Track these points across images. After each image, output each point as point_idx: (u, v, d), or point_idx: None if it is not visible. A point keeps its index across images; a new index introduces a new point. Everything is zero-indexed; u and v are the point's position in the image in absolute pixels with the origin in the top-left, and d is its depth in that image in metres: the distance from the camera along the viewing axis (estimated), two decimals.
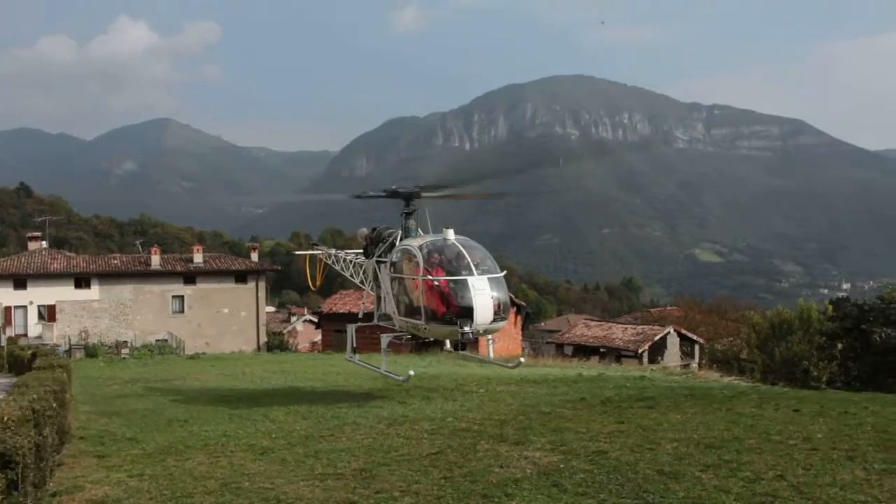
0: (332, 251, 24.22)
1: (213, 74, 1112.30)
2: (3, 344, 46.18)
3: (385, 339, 18.48)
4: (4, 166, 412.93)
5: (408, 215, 18.48)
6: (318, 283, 25.51)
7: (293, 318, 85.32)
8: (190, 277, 56.91)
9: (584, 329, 60.61)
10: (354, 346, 20.36)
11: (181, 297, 56.30)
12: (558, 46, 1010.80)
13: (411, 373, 17.53)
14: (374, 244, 19.35)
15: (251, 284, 57.96)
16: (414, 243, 17.04)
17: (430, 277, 15.81)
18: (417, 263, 16.32)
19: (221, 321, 56.26)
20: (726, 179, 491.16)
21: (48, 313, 53.43)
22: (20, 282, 53.32)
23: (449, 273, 15.79)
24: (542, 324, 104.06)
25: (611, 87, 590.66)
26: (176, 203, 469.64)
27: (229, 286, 57.63)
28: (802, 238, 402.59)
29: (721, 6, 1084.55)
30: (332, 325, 51.95)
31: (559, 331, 72.22)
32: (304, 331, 78.06)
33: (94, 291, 54.61)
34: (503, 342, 48.00)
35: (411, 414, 15.93)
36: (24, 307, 53.16)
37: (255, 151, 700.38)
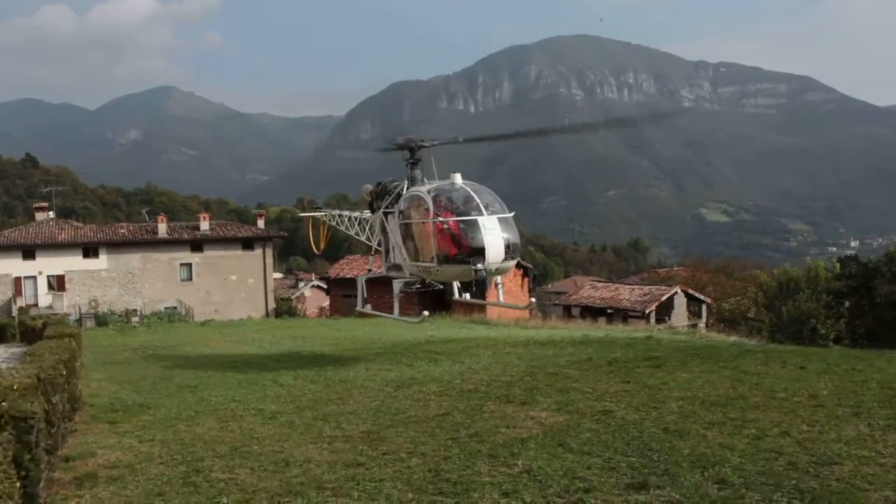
0: (336, 212, 24.37)
1: (214, 41, 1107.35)
2: (14, 314, 46.55)
3: (397, 284, 18.66)
4: (9, 137, 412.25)
5: (413, 165, 18.50)
6: (322, 246, 25.67)
7: (301, 284, 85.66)
8: (197, 245, 57.05)
9: (592, 291, 60.70)
10: (365, 296, 20.67)
11: (189, 265, 56.50)
12: (562, 6, 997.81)
13: (426, 313, 17.96)
14: (380, 197, 19.45)
15: (258, 251, 58.12)
16: (422, 189, 17.13)
17: (440, 220, 15.93)
18: (427, 208, 16.45)
19: (229, 288, 56.51)
20: (733, 138, 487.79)
21: (58, 283, 53.69)
22: (29, 252, 53.53)
23: (459, 215, 15.90)
24: (550, 286, 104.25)
25: (616, 46, 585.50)
26: (181, 171, 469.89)
27: (236, 253, 57.80)
28: (810, 196, 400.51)
29: None
30: (339, 290, 52.16)
31: (566, 293, 72.39)
32: (312, 296, 78.42)
33: (102, 261, 54.81)
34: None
35: (419, 376, 16.06)
36: (34, 277, 53.43)
37: (258, 118, 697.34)
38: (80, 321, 47.09)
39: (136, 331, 36.50)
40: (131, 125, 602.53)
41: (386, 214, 18.96)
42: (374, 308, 20.73)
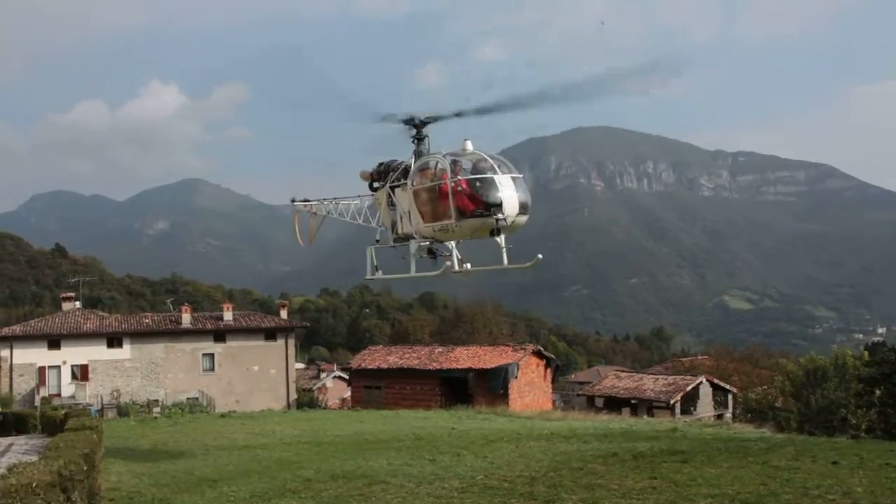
0: (325, 201, 23.80)
1: (241, 135, 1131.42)
2: (37, 404, 46.46)
3: (413, 244, 18.67)
4: (41, 229, 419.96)
5: (419, 141, 18.71)
6: (310, 239, 25.13)
7: (323, 375, 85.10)
8: (220, 335, 57.08)
9: (615, 380, 59.88)
10: (375, 264, 20.61)
11: (211, 355, 56.42)
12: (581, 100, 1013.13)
13: (448, 263, 17.87)
14: (383, 176, 19.64)
15: (280, 342, 58.02)
16: (436, 154, 17.63)
17: (459, 178, 16.44)
18: (444, 169, 16.86)
19: (251, 378, 56.25)
20: (753, 225, 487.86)
21: (81, 373, 53.71)
22: (54, 342, 53.77)
23: (476, 173, 16.39)
24: (573, 376, 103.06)
25: (634, 137, 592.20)
26: (207, 261, 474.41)
27: (259, 343, 57.73)
28: (834, 283, 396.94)
29: (741, 57, 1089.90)
30: (361, 381, 51.81)
31: (590, 383, 71.44)
32: (333, 387, 77.78)
33: (126, 350, 54.91)
34: (533, 395, 47.56)
35: (441, 472, 15.74)
36: (58, 367, 53.50)
37: (283, 209, 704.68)
38: (101, 412, 46.87)
39: (156, 422, 36.25)
40: (159, 216, 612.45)
41: (393, 188, 19.10)
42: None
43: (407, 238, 18.81)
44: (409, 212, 18.26)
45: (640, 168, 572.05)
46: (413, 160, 18.53)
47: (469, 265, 18.30)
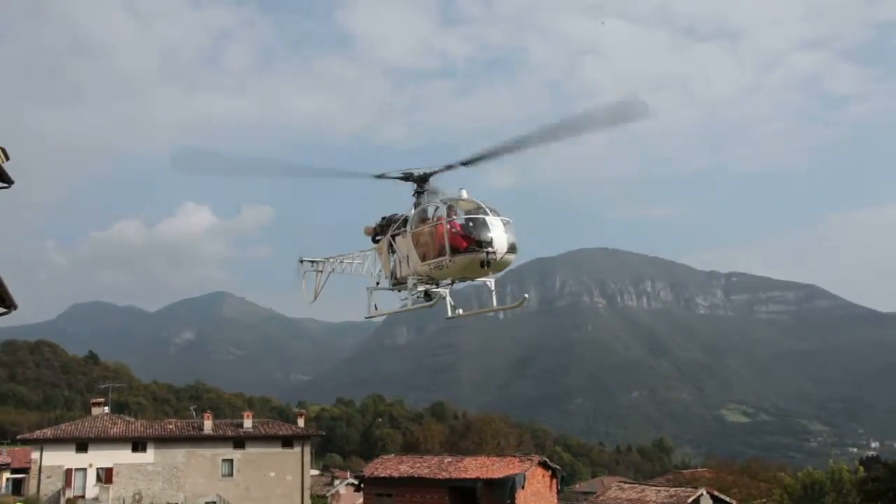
0: (330, 259, 23.96)
1: (265, 253, 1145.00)
2: None
3: (410, 280, 19.09)
4: (77, 337, 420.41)
5: (419, 194, 19.27)
6: (315, 296, 24.66)
7: (336, 482, 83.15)
8: (240, 442, 56.20)
9: (619, 491, 58.03)
10: (375, 305, 21.20)
11: (230, 461, 55.37)
12: (583, 223, 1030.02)
13: (440, 291, 18.75)
14: (385, 228, 20.26)
15: (297, 449, 56.99)
16: (434, 200, 18.42)
17: (453, 218, 17.24)
18: (440, 212, 17.67)
19: (268, 484, 55.00)
20: (748, 342, 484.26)
21: (105, 475, 52.69)
22: (82, 445, 53.00)
23: (469, 214, 17.15)
24: (577, 486, 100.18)
25: (634, 258, 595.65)
26: (229, 370, 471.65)
27: (276, 450, 56.71)
28: (827, 397, 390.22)
29: (730, 185, 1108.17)
30: (373, 488, 50.54)
31: (594, 493, 69.33)
32: (346, 494, 75.89)
33: (149, 455, 54.00)
34: None
35: None
36: (84, 469, 52.55)
37: (303, 322, 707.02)
38: None
39: None
40: (186, 326, 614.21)
41: (393, 237, 19.68)
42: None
43: (404, 281, 19.36)
44: (407, 256, 18.86)
45: (640, 287, 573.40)
46: (412, 210, 19.20)
47: (461, 310, 19.35)
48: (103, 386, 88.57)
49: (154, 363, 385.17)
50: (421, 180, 19.22)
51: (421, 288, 19.27)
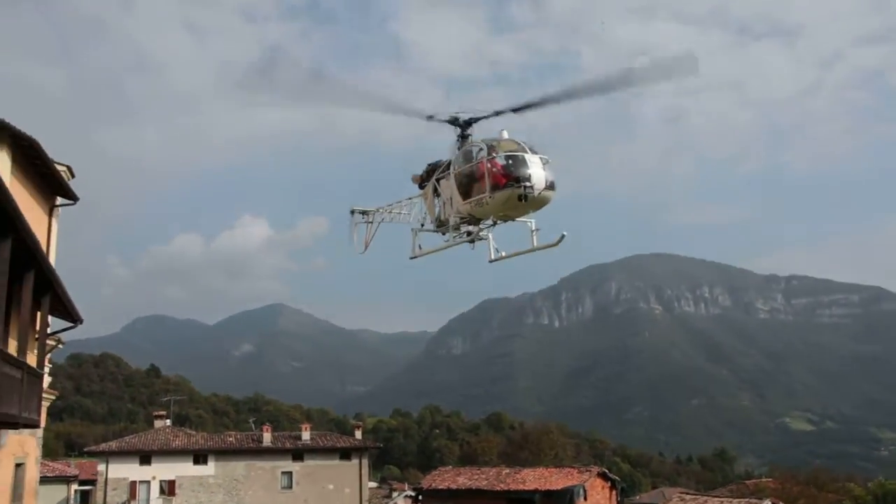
0: (380, 209, 24.37)
1: (321, 264, 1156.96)
2: None
3: (454, 218, 19.77)
4: (140, 349, 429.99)
5: (463, 139, 19.74)
6: (365, 247, 25.21)
7: (394, 494, 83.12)
8: (298, 454, 56.54)
9: (681, 503, 56.87)
10: (419, 245, 22.05)
11: (290, 474, 55.74)
12: (638, 227, 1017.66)
13: (483, 234, 19.59)
14: (432, 172, 20.95)
15: (355, 461, 57.10)
16: (476, 142, 18.93)
17: (494, 157, 17.77)
18: (481, 153, 18.27)
19: (327, 497, 55.19)
20: (811, 347, 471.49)
21: (168, 488, 53.50)
22: (145, 458, 53.94)
23: (508, 152, 17.68)
24: (637, 497, 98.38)
25: (690, 263, 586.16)
26: (287, 382, 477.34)
27: (335, 463, 56.91)
28: None
29: (790, 189, 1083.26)
30: (432, 501, 50.37)
31: None
32: None
33: (210, 467, 54.68)
34: None
35: None
36: (148, 482, 53.45)
37: (359, 333, 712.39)
38: None
39: None
40: (245, 339, 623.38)
41: (438, 180, 20.44)
42: None
43: (447, 222, 20.18)
44: (450, 197, 19.54)
45: (697, 293, 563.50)
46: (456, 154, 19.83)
47: (504, 252, 19.88)
48: (165, 399, 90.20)
49: (214, 375, 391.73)
50: (466, 125, 19.76)
51: (464, 229, 19.90)
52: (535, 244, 19.54)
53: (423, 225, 21.90)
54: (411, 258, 22.38)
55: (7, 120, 18.64)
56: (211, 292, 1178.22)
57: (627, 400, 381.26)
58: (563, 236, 18.71)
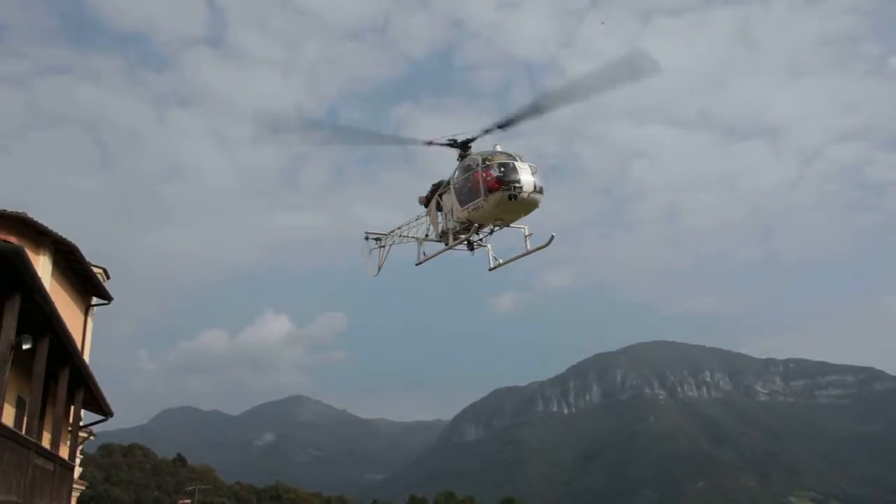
0: (391, 233, 24.95)
1: (339, 357, 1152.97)
2: None
3: (452, 223, 20.58)
4: (167, 440, 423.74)
5: (463, 157, 20.59)
6: (377, 270, 25.53)
7: None
8: None
9: None
10: (424, 252, 22.83)
11: None
12: (640, 317, 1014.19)
13: (482, 240, 20.92)
14: (435, 190, 21.75)
15: None
16: (473, 156, 19.83)
17: (488, 166, 18.68)
18: (477, 163, 19.12)
19: None
20: (811, 428, 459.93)
21: None
22: None
23: (500, 162, 18.66)
24: None
25: (691, 349, 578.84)
26: (307, 470, 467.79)
27: None
28: None
29: (781, 275, 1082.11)
30: None
31: None
32: None
33: None
34: None
35: None
36: None
37: (376, 423, 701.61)
38: None
39: None
40: (267, 429, 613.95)
41: (440, 196, 21.26)
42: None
43: (448, 233, 21.05)
44: (451, 208, 20.43)
45: (699, 377, 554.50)
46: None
47: (501, 259, 20.93)
48: (190, 488, 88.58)
49: (237, 464, 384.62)
50: (464, 146, 20.72)
51: (463, 236, 20.67)
52: (528, 248, 20.29)
53: (427, 235, 22.74)
54: (417, 265, 23.23)
55: (49, 226, 19.16)
56: (235, 384, 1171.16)
57: (636, 483, 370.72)
58: (552, 237, 19.60)
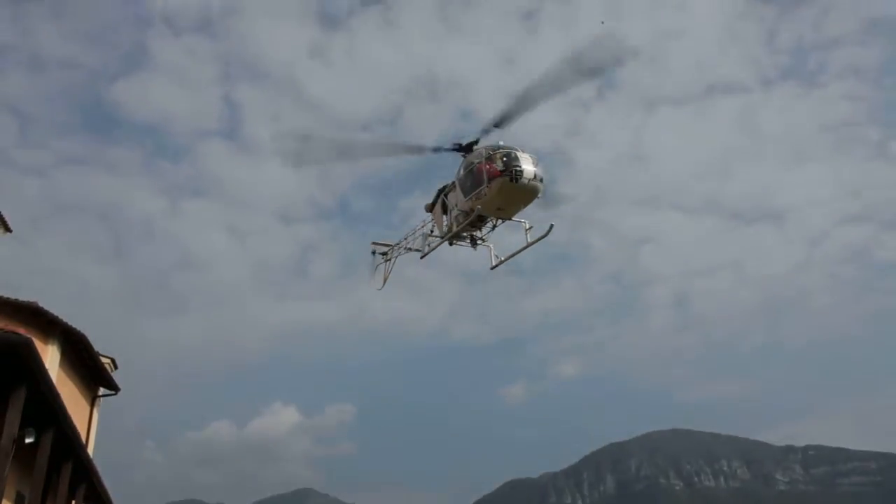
0: (397, 245, 25.18)
1: (347, 449, 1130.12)
2: None
3: (457, 210, 20.87)
4: None
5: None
6: (382, 284, 25.70)
7: None
8: None
9: None
10: (428, 244, 22.95)
11: None
12: (653, 405, 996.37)
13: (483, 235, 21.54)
14: (440, 193, 22.21)
15: None
16: (478, 150, 20.36)
17: (491, 155, 19.26)
18: (481, 156, 19.71)
19: None
20: None
21: None
22: None
23: (503, 152, 19.20)
24: None
25: (706, 437, 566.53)
26: None
27: None
28: None
29: (794, 359, 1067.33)
30: None
31: None
32: None
33: None
34: None
35: None
36: None
37: None
38: None
39: None
40: None
41: (446, 195, 21.73)
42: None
43: (454, 233, 21.35)
44: (455, 204, 20.91)
45: (716, 466, 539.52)
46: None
47: (502, 256, 21.32)
48: None
49: None
50: (468, 149, 21.04)
51: (466, 233, 21.14)
52: (529, 240, 20.73)
53: (432, 231, 22.97)
54: (421, 258, 23.48)
55: (60, 314, 19.09)
56: (242, 476, 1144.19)
57: None
58: (551, 226, 20.04)
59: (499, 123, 20.25)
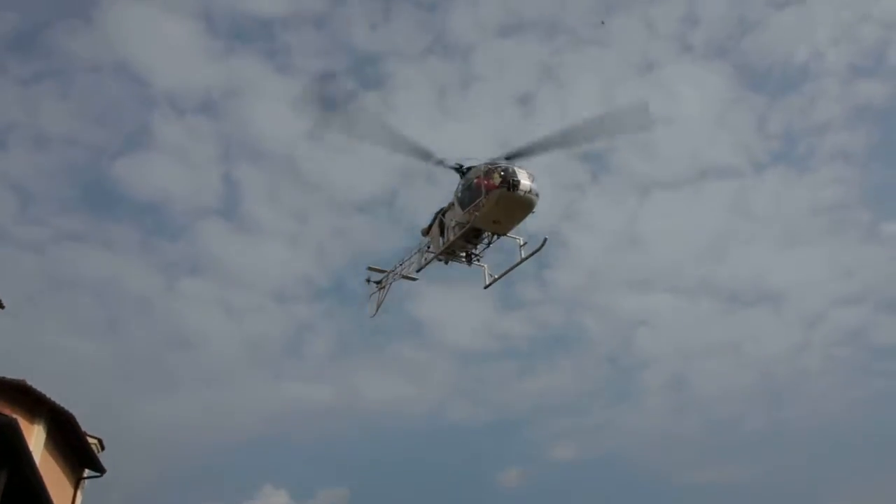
0: (392, 272, 24.92)
1: None
2: None
3: (453, 222, 20.82)
4: None
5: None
6: (376, 311, 25.51)
7: None
8: None
9: None
10: (425, 258, 22.57)
11: None
12: (654, 490, 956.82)
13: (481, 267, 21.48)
14: (436, 215, 22.04)
15: None
16: (476, 166, 20.25)
17: (490, 170, 19.25)
18: (479, 172, 19.69)
19: None
20: None
21: None
22: None
23: (501, 168, 19.14)
24: None
25: None
26: None
27: None
28: None
29: (795, 445, 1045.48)
30: None
31: None
32: None
33: None
34: None
35: None
36: None
37: None
38: None
39: None
40: None
41: (443, 214, 21.56)
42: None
43: (450, 251, 21.36)
44: (453, 220, 20.85)
45: None
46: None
47: (495, 275, 21.33)
48: None
49: None
50: (469, 170, 20.95)
51: (461, 252, 21.17)
52: (523, 255, 20.70)
53: (428, 247, 22.72)
54: (417, 271, 23.24)
55: (48, 392, 18.93)
56: None
57: None
58: (545, 240, 20.12)
59: (509, 157, 20.27)
